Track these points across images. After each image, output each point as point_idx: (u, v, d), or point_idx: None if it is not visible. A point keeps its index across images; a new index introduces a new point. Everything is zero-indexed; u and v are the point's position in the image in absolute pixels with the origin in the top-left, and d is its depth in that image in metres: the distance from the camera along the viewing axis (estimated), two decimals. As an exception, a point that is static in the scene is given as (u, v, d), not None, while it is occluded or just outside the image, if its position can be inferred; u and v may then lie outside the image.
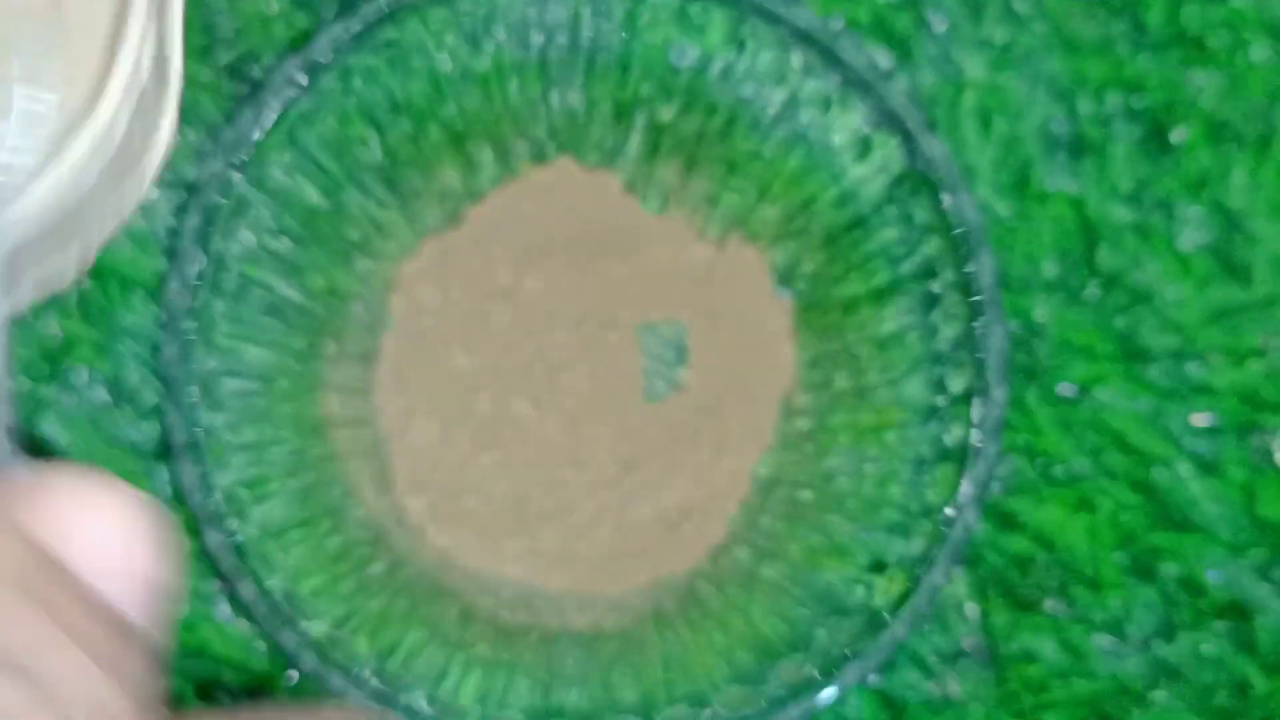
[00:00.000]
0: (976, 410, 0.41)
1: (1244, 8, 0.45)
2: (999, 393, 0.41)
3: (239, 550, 0.40)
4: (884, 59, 0.45)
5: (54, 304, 0.44)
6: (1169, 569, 0.45)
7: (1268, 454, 0.45)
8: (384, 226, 0.44)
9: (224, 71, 0.44)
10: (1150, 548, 0.45)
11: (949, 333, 0.42)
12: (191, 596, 0.44)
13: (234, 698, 0.44)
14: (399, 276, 0.44)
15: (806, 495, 0.43)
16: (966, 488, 0.40)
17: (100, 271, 0.44)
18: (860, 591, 0.41)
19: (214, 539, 0.39)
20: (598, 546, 0.44)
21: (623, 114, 0.44)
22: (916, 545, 0.41)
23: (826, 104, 0.42)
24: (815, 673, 0.40)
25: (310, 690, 0.44)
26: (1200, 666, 0.44)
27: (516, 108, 0.44)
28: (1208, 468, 0.45)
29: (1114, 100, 0.45)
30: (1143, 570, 0.45)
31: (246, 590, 0.39)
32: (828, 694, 0.40)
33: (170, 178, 0.45)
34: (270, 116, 0.41)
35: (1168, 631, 0.44)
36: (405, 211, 0.44)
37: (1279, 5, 0.45)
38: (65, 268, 0.40)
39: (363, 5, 0.41)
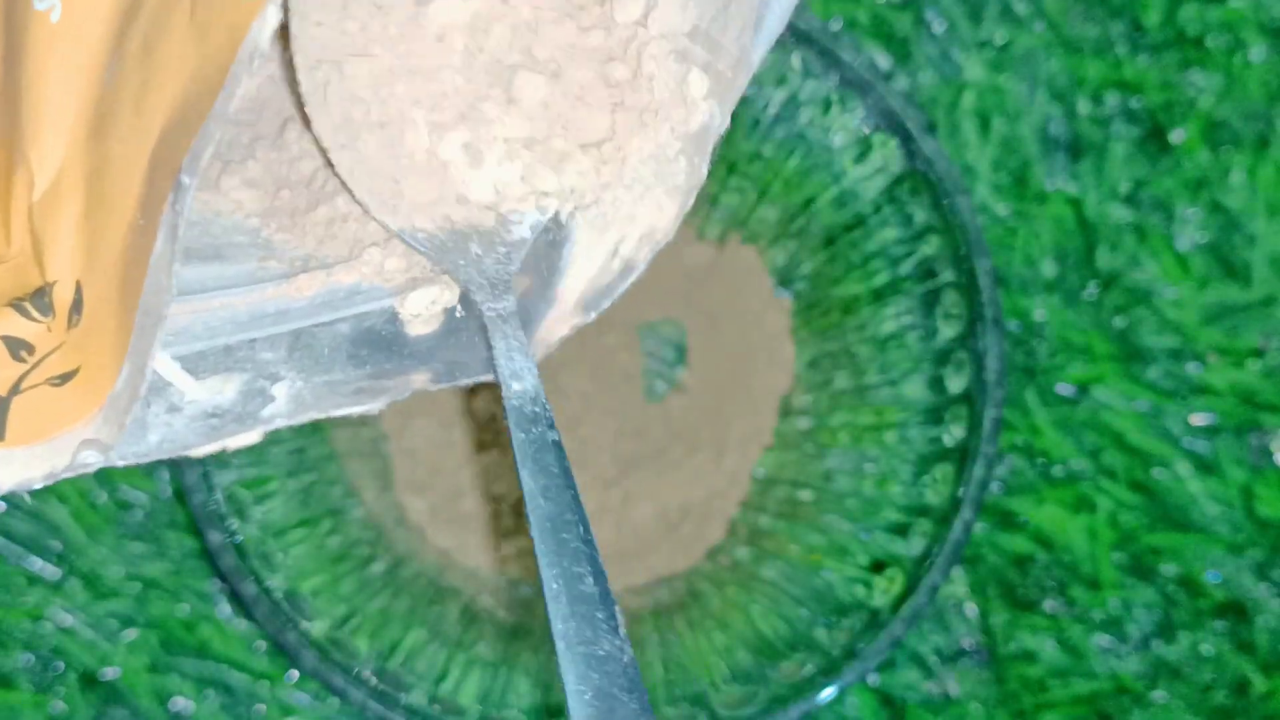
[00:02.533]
0: (975, 410, 0.41)
1: (1242, 9, 0.46)
2: (998, 393, 0.41)
3: (240, 550, 0.40)
4: (883, 60, 0.45)
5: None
6: (1168, 569, 0.45)
7: (1267, 454, 0.45)
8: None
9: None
10: (1149, 547, 0.45)
11: (948, 333, 0.42)
12: (192, 596, 0.44)
13: (233, 695, 0.44)
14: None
15: (806, 495, 0.43)
16: (965, 487, 0.40)
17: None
18: (859, 591, 0.41)
19: (214, 539, 0.39)
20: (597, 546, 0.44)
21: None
22: (916, 545, 0.41)
23: (826, 105, 0.42)
24: (815, 672, 0.40)
25: (310, 689, 0.44)
26: (1199, 666, 0.44)
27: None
28: (1207, 468, 0.45)
29: (1113, 101, 0.45)
30: (1142, 570, 0.45)
31: (247, 590, 0.39)
32: (827, 693, 0.40)
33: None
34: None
35: (1167, 631, 0.44)
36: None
37: (1277, 6, 0.46)
38: None
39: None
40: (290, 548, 0.41)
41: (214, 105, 0.22)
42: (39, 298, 0.24)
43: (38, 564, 0.44)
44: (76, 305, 0.24)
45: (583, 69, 0.29)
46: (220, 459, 0.40)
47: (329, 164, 0.29)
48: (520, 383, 0.29)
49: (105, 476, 0.44)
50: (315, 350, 0.28)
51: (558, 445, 0.28)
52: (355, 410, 0.28)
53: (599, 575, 0.27)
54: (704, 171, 0.29)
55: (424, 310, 0.29)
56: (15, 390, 0.24)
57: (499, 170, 0.29)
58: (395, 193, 0.29)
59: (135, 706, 0.43)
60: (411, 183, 0.29)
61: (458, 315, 0.29)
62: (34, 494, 0.44)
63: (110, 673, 0.43)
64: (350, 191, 0.29)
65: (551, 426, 0.28)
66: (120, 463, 0.26)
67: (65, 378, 0.25)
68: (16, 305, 0.24)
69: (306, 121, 0.29)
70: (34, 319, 0.24)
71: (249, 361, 0.27)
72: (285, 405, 0.28)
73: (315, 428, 0.43)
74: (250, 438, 0.28)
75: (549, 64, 0.29)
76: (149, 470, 0.44)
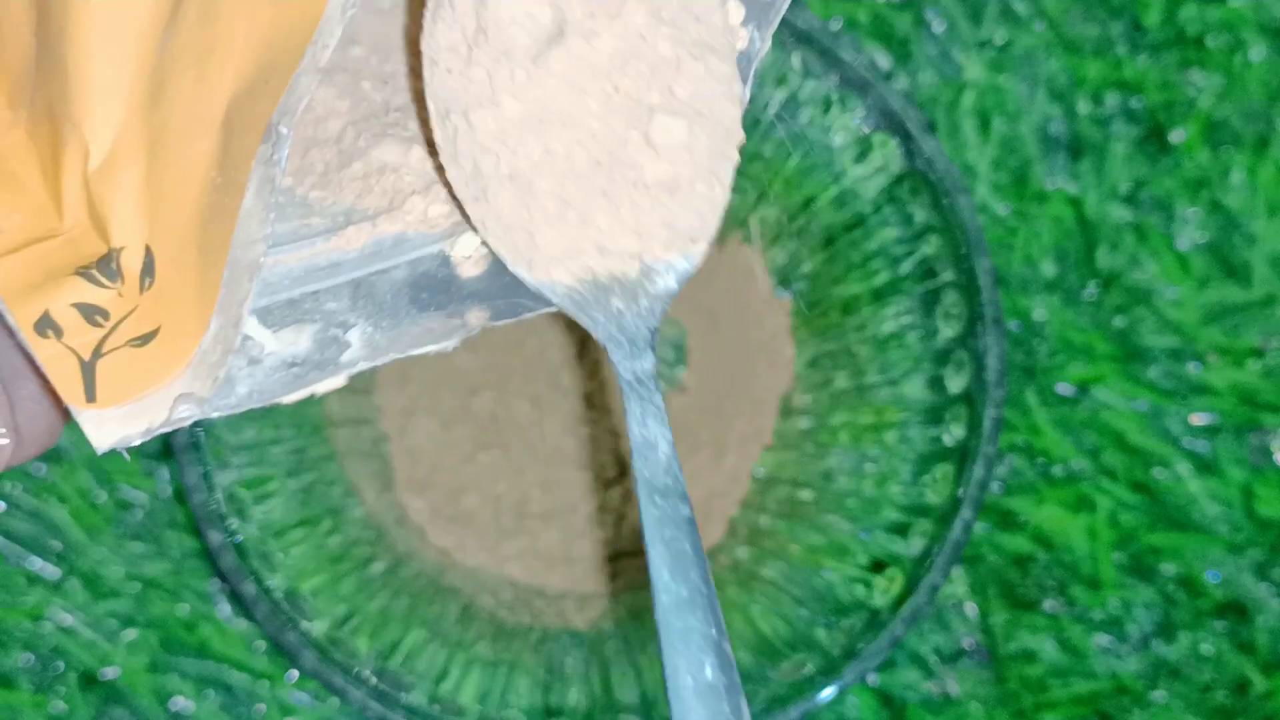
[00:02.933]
0: (975, 410, 0.41)
1: (1242, 9, 0.46)
2: (998, 392, 0.41)
3: (240, 550, 0.40)
4: (883, 59, 0.45)
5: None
6: (1168, 568, 0.45)
7: (1266, 453, 0.45)
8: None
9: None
10: (1149, 547, 0.45)
11: (948, 332, 0.42)
12: (192, 596, 0.44)
13: (233, 695, 0.44)
14: (399, 277, 0.44)
15: (806, 495, 0.43)
16: (965, 487, 0.40)
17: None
18: (860, 591, 0.41)
19: (214, 539, 0.39)
20: (598, 546, 0.44)
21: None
22: (916, 545, 0.41)
23: (826, 104, 0.42)
24: (815, 672, 0.40)
25: (311, 689, 0.44)
26: (1199, 666, 0.44)
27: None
28: (1207, 467, 0.45)
29: (1113, 101, 0.45)
30: (1142, 570, 0.45)
31: (247, 590, 0.39)
32: (827, 693, 0.40)
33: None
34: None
35: (1167, 631, 0.44)
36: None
37: (1277, 6, 0.46)
38: None
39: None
40: (290, 547, 0.41)
41: (304, 58, 0.22)
42: (105, 264, 0.24)
43: (38, 564, 0.44)
44: (147, 269, 0.25)
45: (721, 102, 0.28)
46: (220, 459, 0.40)
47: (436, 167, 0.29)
48: (655, 452, 0.28)
49: (105, 476, 0.44)
50: (377, 297, 0.29)
51: (690, 522, 0.27)
52: (431, 349, 0.29)
53: (726, 664, 0.25)
54: (746, 96, 0.29)
55: (474, 252, 0.29)
56: (97, 354, 0.25)
57: (641, 217, 0.28)
58: (530, 245, 0.28)
59: (135, 706, 0.43)
60: (546, 235, 0.28)
61: None
62: (34, 494, 0.44)
63: (110, 672, 0.43)
64: (486, 243, 0.28)
65: (685, 500, 0.27)
66: (215, 414, 0.26)
67: (146, 339, 0.25)
68: (83, 273, 0.24)
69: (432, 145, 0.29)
70: (104, 285, 0.24)
71: (316, 312, 0.28)
72: (362, 350, 0.28)
73: (315, 427, 0.43)
74: (336, 382, 0.28)
75: (692, 102, 0.28)
76: (149, 470, 0.44)
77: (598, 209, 0.28)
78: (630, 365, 0.28)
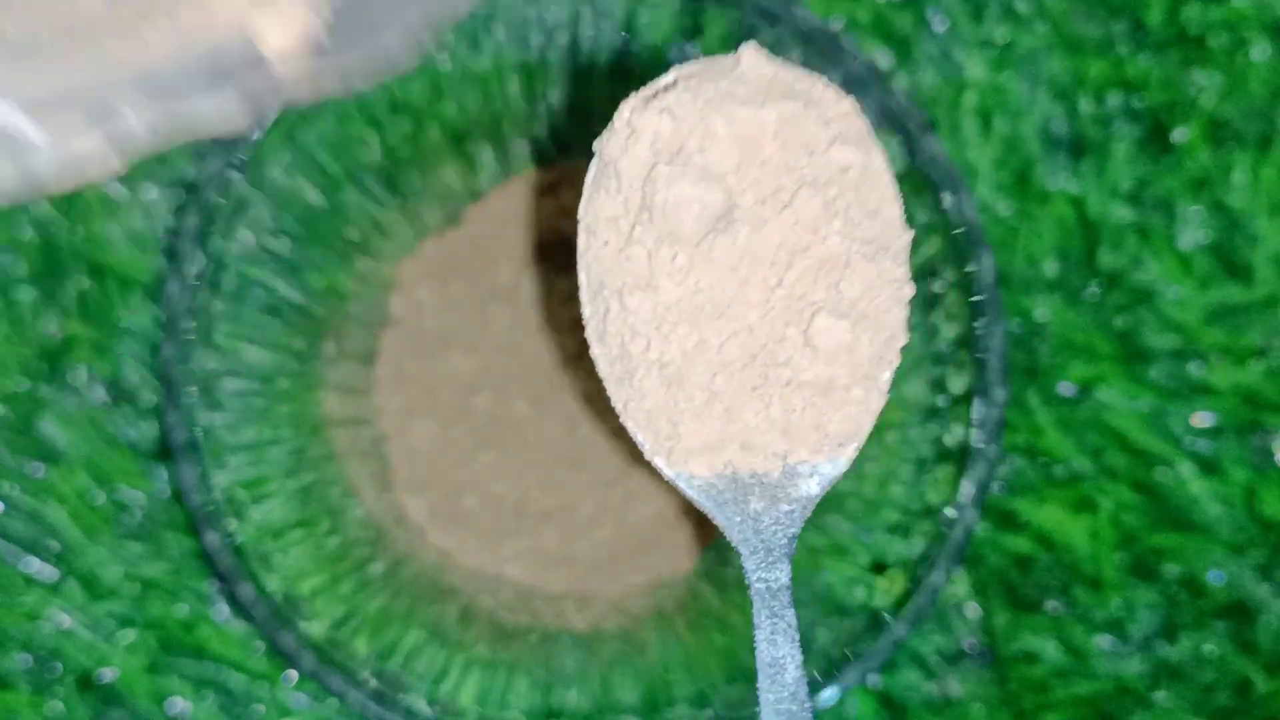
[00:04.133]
0: (977, 410, 0.41)
1: (1244, 8, 0.45)
2: (999, 393, 0.41)
3: (238, 550, 0.40)
4: (884, 59, 0.45)
5: (53, 304, 0.44)
6: (1170, 569, 0.44)
7: (1268, 454, 0.45)
8: (383, 226, 0.44)
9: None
10: (1151, 548, 0.44)
11: (949, 333, 0.42)
12: (190, 597, 0.44)
13: (231, 697, 0.44)
14: (398, 276, 0.44)
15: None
16: (967, 488, 0.40)
17: (99, 271, 0.44)
18: (860, 592, 0.41)
19: (213, 539, 0.39)
20: (598, 546, 0.44)
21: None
22: (917, 545, 0.41)
23: (827, 103, 0.42)
24: (815, 673, 0.40)
25: (310, 690, 0.44)
26: (1201, 667, 0.44)
27: (516, 108, 0.44)
28: (1209, 468, 0.45)
29: (1114, 100, 0.45)
30: (1144, 570, 0.44)
31: (245, 591, 0.39)
32: (828, 694, 0.40)
33: (169, 177, 0.45)
34: (269, 116, 0.41)
35: (1169, 632, 0.44)
36: (405, 211, 0.44)
37: (1279, 5, 0.45)
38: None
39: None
40: (289, 548, 0.41)
41: None
42: None
43: (35, 565, 0.44)
44: None
45: (889, 305, 0.27)
46: (218, 459, 0.40)
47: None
48: (782, 674, 0.27)
49: (103, 477, 0.44)
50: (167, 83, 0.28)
51: None
52: (221, 129, 0.28)
53: None
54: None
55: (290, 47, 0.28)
56: None
57: (790, 416, 0.27)
58: (672, 434, 0.27)
59: (133, 707, 0.43)
60: (690, 425, 0.27)
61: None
62: (32, 494, 0.44)
63: (108, 674, 0.43)
64: (624, 426, 0.28)
65: None
66: None
67: None
68: None
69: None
70: None
71: (95, 103, 0.27)
72: (142, 132, 0.27)
73: (314, 428, 0.43)
74: (110, 166, 0.27)
75: (858, 303, 0.27)
76: (147, 470, 0.44)
77: (746, 405, 0.27)
78: (763, 575, 0.27)
